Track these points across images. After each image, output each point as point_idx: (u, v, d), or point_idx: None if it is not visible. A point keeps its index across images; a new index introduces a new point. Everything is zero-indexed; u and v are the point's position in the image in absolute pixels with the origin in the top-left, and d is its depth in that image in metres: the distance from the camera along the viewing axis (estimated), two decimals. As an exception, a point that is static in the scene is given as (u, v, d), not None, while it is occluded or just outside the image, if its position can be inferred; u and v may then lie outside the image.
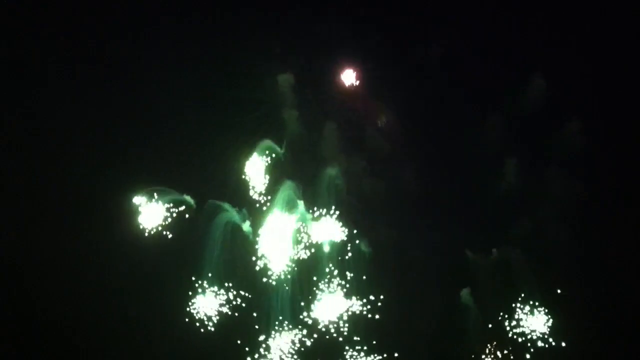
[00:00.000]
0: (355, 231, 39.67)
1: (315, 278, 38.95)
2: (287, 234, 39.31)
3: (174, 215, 39.39)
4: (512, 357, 39.13)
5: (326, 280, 38.86)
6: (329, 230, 39.64)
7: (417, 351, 38.94)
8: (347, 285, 38.88)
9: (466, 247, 40.48)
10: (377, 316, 38.72)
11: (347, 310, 38.60)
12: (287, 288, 38.80)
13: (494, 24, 43.56)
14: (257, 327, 38.34)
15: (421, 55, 44.01)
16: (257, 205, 40.37)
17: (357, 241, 39.61)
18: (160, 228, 39.18)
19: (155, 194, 39.23)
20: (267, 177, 40.81)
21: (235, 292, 38.63)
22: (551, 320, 38.98)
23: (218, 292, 38.56)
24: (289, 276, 38.83)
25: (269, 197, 40.34)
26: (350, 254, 39.42)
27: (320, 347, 38.33)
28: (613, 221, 39.90)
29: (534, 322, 39.11)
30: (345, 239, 39.58)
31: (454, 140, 42.64)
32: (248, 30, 42.87)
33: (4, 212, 38.81)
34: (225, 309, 38.53)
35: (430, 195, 41.66)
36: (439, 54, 44.04)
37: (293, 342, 38.21)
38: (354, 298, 38.72)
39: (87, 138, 39.64)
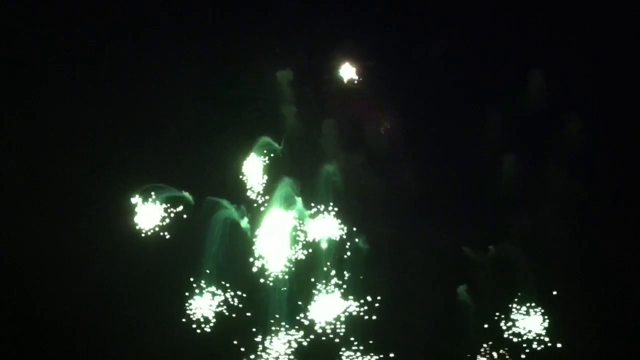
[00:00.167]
0: (353, 228, 39.83)
1: (313, 277, 39.02)
2: (285, 231, 39.49)
3: (173, 212, 39.51)
4: (507, 357, 39.42)
5: (324, 279, 39.00)
6: (327, 227, 39.84)
7: (414, 350, 38.94)
8: (345, 284, 38.93)
9: (464, 244, 40.51)
10: (374, 315, 38.79)
11: (345, 310, 38.66)
12: (285, 287, 38.92)
13: (495, 22, 43.72)
14: (254, 327, 38.34)
15: (421, 51, 44.09)
16: (256, 201, 40.54)
17: (355, 238, 39.75)
18: (158, 225, 39.28)
19: (153, 191, 39.31)
20: (266, 173, 40.96)
21: (233, 291, 38.70)
22: (548, 320, 39.01)
23: (216, 292, 38.62)
24: (286, 275, 38.97)
25: (267, 194, 40.50)
26: (348, 252, 39.54)
27: (318, 346, 38.39)
28: (612, 220, 39.96)
29: (531, 320, 39.17)
30: (342, 236, 39.73)
31: (453, 137, 42.74)
32: (246, 26, 43.03)
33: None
34: (222, 309, 38.57)
35: (429, 192, 41.69)
36: (439, 50, 44.13)
37: (290, 342, 38.27)
38: (351, 297, 38.79)
39: (83, 135, 39.70)
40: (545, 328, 39.03)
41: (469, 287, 39.85)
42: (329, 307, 38.82)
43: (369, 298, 38.91)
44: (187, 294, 38.44)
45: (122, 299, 38.07)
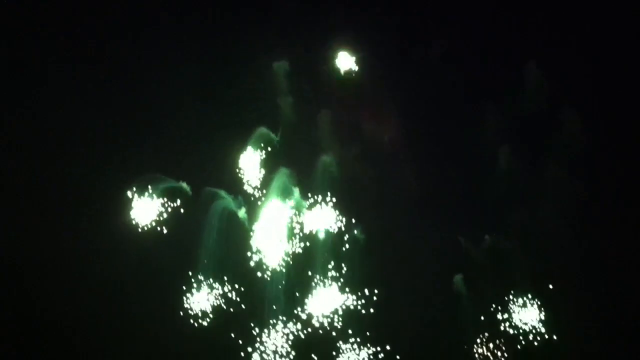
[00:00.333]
0: (349, 219, 40.25)
1: (310, 269, 39.52)
2: (283, 221, 40.01)
3: (171, 203, 39.90)
4: (502, 347, 39.60)
5: (321, 271, 39.43)
6: (324, 218, 40.30)
7: (410, 341, 39.34)
8: (342, 276, 39.36)
9: (460, 234, 41.00)
10: (370, 307, 39.17)
11: (342, 303, 39.09)
12: (282, 279, 39.39)
13: (495, 21, 44.00)
14: (252, 320, 38.80)
15: (418, 43, 44.29)
16: (253, 192, 41.00)
17: (351, 229, 40.20)
18: (157, 216, 39.65)
19: (151, 182, 39.64)
20: (263, 164, 41.30)
21: (231, 284, 39.13)
22: (544, 311, 39.40)
23: (214, 285, 39.07)
24: (284, 267, 39.42)
25: (265, 185, 40.92)
26: (344, 242, 40.00)
27: (315, 339, 38.88)
28: (609, 214, 40.19)
29: (527, 311, 39.52)
30: (339, 226, 40.16)
31: (450, 129, 43.01)
32: (244, 17, 43.30)
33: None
34: (220, 302, 39.00)
35: (426, 183, 42.10)
36: (438, 43, 44.35)
37: (288, 335, 38.74)
38: (348, 289, 39.23)
39: (79, 127, 39.93)
40: (540, 320, 39.31)
41: (465, 276, 40.21)
42: (327, 299, 39.23)
43: (366, 290, 39.23)
44: (184, 287, 38.84)
45: (119, 292, 38.37)
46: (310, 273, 39.45)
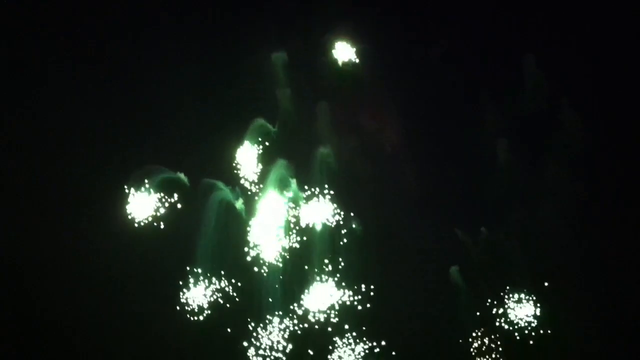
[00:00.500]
0: (346, 211, 40.52)
1: (307, 262, 39.83)
2: (280, 213, 40.35)
3: (169, 194, 40.12)
4: (498, 341, 39.60)
5: (318, 265, 39.71)
6: (321, 210, 40.58)
7: (406, 335, 39.57)
8: (339, 269, 39.66)
9: (456, 226, 41.22)
10: (367, 302, 39.41)
11: (340, 297, 39.35)
12: (279, 272, 39.69)
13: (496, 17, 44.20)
14: (249, 313, 39.00)
15: (418, 34, 44.45)
16: (251, 183, 41.22)
17: (349, 221, 40.44)
18: (155, 208, 39.87)
19: (149, 173, 39.81)
20: (260, 155, 41.51)
21: (228, 279, 39.37)
22: (540, 308, 39.62)
23: (212, 279, 39.26)
24: (281, 260, 39.71)
25: (262, 176, 41.17)
26: (341, 235, 40.28)
27: (312, 334, 39.13)
28: (609, 209, 40.48)
29: (523, 307, 39.77)
30: (336, 219, 40.43)
31: (449, 122, 43.24)
32: (242, 7, 43.38)
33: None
34: (217, 297, 39.19)
35: (424, 177, 42.46)
36: (439, 34, 44.52)
37: (286, 329, 38.99)
38: (345, 282, 39.47)
39: (75, 119, 39.97)
40: (537, 315, 39.47)
41: (461, 269, 40.38)
42: (324, 293, 39.49)
43: (362, 284, 39.47)
44: (183, 280, 39.03)
45: (117, 285, 38.46)
46: (307, 267, 39.71)
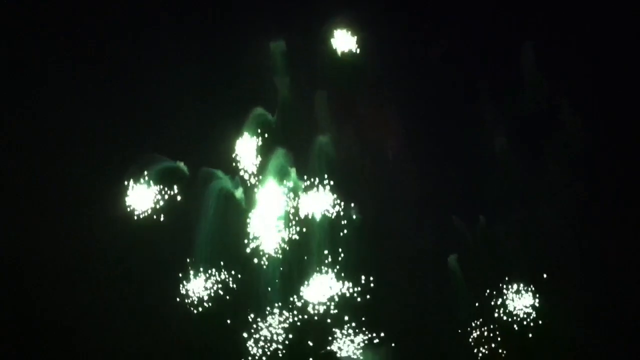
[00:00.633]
0: (345, 200, 40.54)
1: (307, 252, 39.88)
2: (279, 203, 40.40)
3: (169, 183, 40.05)
4: (497, 333, 39.67)
5: (318, 254, 39.78)
6: (320, 199, 40.62)
7: (404, 326, 39.70)
8: (339, 259, 39.67)
9: (453, 213, 41.24)
10: (366, 292, 39.43)
11: (339, 287, 39.39)
12: (279, 264, 39.74)
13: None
14: (249, 303, 39.11)
15: (418, 23, 44.17)
16: (250, 173, 41.15)
17: (347, 210, 40.46)
18: (155, 197, 39.81)
19: (148, 161, 39.76)
20: (259, 145, 41.45)
21: (228, 270, 39.39)
22: (538, 299, 39.67)
23: (212, 271, 39.26)
24: (280, 252, 39.76)
25: (262, 165, 41.12)
26: (340, 223, 40.27)
27: (311, 326, 39.25)
28: (607, 203, 40.60)
29: (520, 297, 39.86)
30: (335, 208, 40.47)
31: (448, 113, 43.18)
32: None
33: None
34: (217, 288, 39.21)
35: (422, 167, 42.46)
36: (438, 23, 44.31)
37: (285, 321, 39.13)
38: (344, 272, 39.49)
39: (68, 107, 39.73)
40: (534, 306, 39.50)
41: (459, 258, 40.39)
42: (324, 283, 39.54)
43: (362, 276, 39.48)
44: (182, 273, 39.07)
45: (117, 279, 38.54)
46: (306, 257, 39.77)
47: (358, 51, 43.42)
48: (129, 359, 38.29)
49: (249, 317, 39.13)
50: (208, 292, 39.34)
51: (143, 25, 41.48)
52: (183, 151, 40.48)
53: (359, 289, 39.71)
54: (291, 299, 39.38)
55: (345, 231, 40.42)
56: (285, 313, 39.33)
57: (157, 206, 39.96)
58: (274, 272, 39.85)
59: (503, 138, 42.21)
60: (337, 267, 39.77)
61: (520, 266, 40.16)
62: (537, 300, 39.71)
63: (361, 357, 39.08)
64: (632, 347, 38.75)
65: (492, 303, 39.88)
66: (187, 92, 41.21)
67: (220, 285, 39.48)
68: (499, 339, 39.58)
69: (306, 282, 39.47)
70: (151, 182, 39.94)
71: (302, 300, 39.35)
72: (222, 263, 39.69)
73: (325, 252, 40.01)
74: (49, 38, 40.70)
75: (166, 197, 40.08)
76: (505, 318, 39.61)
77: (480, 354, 39.74)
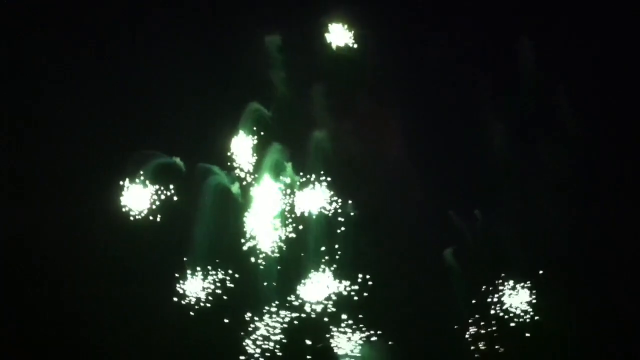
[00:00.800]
0: (341, 195, 40.56)
1: (304, 251, 39.87)
2: (276, 198, 40.45)
3: (165, 179, 40.00)
4: (494, 328, 39.40)
5: (315, 253, 39.75)
6: (317, 195, 40.63)
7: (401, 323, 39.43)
8: (336, 255, 39.68)
9: (449, 208, 40.96)
10: (364, 289, 39.39)
11: (336, 285, 39.36)
12: (277, 261, 39.73)
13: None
14: (246, 305, 38.91)
15: (416, 18, 44.07)
16: (246, 168, 41.12)
17: (344, 205, 40.48)
18: (152, 193, 39.77)
19: (144, 157, 39.66)
20: (256, 140, 41.42)
21: (225, 268, 39.27)
22: (535, 295, 39.44)
23: (209, 269, 39.15)
24: (278, 249, 39.78)
25: (258, 161, 41.09)
26: (336, 219, 40.31)
27: (309, 324, 39.19)
28: (606, 198, 40.27)
29: (518, 293, 39.58)
30: (332, 202, 40.47)
31: (444, 101, 42.88)
32: None
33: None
34: (214, 284, 39.10)
35: (417, 159, 42.24)
36: (437, 18, 44.14)
37: (283, 319, 39.02)
38: (342, 269, 39.48)
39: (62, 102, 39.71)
40: (531, 302, 39.27)
41: (455, 251, 40.20)
42: (321, 281, 39.48)
43: (359, 272, 39.42)
44: (179, 270, 38.92)
45: (113, 277, 38.27)
46: (303, 253, 39.75)
47: (355, 45, 43.40)
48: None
49: (247, 313, 39.11)
50: (205, 289, 39.26)
51: (139, 21, 41.60)
52: (179, 147, 40.39)
53: (356, 285, 39.62)
54: (289, 295, 39.34)
55: (342, 227, 40.31)
56: (283, 309, 39.26)
57: (154, 202, 39.94)
58: (271, 268, 39.81)
59: (502, 132, 41.72)
60: (335, 263, 39.68)
61: (518, 261, 39.67)
62: (535, 295, 39.16)
63: (357, 353, 38.95)
64: (632, 343, 38.10)
65: (490, 299, 39.43)
66: (183, 87, 41.01)
67: (217, 282, 39.36)
68: (496, 335, 39.18)
69: (304, 278, 39.40)
70: (147, 178, 39.91)
71: (300, 297, 39.30)
72: (219, 259, 39.66)
73: (323, 248, 39.98)
74: (46, 34, 40.74)
75: (163, 193, 40.08)
76: (502, 314, 39.18)
77: (478, 350, 39.34)
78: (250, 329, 38.87)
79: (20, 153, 39.76)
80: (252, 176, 41.09)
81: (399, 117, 42.61)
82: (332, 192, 40.74)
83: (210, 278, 39.33)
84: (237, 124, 41.40)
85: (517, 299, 39.36)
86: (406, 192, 41.29)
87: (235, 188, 40.74)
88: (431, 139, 42.32)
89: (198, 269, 39.35)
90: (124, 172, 39.59)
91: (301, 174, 40.84)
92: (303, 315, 39.23)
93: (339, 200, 40.69)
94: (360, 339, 39.08)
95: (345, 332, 39.16)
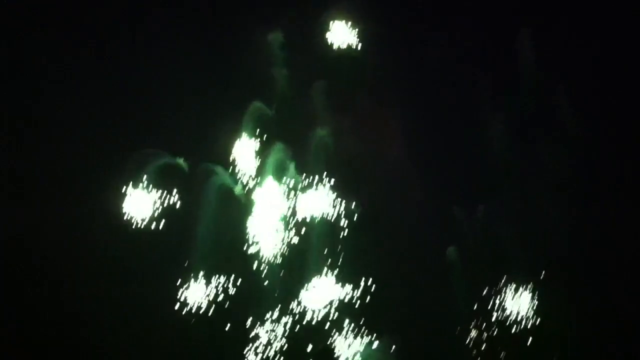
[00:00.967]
0: (344, 195, 40.39)
1: (305, 251, 39.70)
2: (279, 198, 40.24)
3: (168, 179, 39.70)
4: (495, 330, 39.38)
5: (317, 252, 39.64)
6: (320, 195, 40.41)
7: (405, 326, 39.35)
8: (340, 257, 39.60)
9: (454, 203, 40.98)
10: (367, 293, 39.29)
11: (340, 286, 39.23)
12: (278, 261, 39.54)
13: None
14: (250, 311, 38.79)
15: (419, 17, 44.05)
16: (249, 168, 40.88)
17: (347, 204, 40.30)
18: (153, 192, 39.45)
19: (148, 156, 39.39)
20: (258, 139, 41.25)
21: (228, 273, 39.12)
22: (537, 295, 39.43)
23: (211, 274, 38.86)
24: (278, 250, 39.53)
25: (261, 160, 40.92)
26: (340, 219, 40.14)
27: (311, 330, 39.06)
28: (610, 194, 40.41)
29: (521, 294, 39.58)
30: (335, 202, 40.28)
31: (444, 101, 42.83)
32: None
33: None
34: (217, 286, 38.92)
35: (420, 158, 42.20)
36: (435, 12, 44.05)
37: (291, 321, 38.94)
38: (345, 270, 39.35)
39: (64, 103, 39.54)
40: (529, 302, 39.29)
41: (459, 248, 40.15)
42: (325, 283, 39.31)
43: (359, 274, 39.30)
44: (183, 273, 38.69)
45: (114, 281, 38.07)
46: (305, 253, 39.59)
47: (357, 43, 43.29)
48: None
49: (250, 320, 39.04)
50: (207, 290, 39.13)
51: (139, 21, 41.47)
52: (180, 147, 40.22)
53: (356, 285, 39.61)
54: (292, 296, 39.27)
55: (345, 226, 40.28)
56: (284, 308, 39.22)
57: (155, 202, 39.65)
58: (272, 267, 39.72)
59: (502, 132, 41.73)
60: (339, 263, 39.62)
61: (518, 261, 39.68)
62: (535, 295, 39.20)
63: (357, 354, 38.93)
64: (632, 343, 38.13)
65: (490, 299, 39.49)
66: (183, 87, 40.85)
67: (220, 284, 39.26)
68: (496, 334, 39.19)
69: (307, 279, 39.30)
70: (149, 178, 39.63)
71: (303, 298, 39.19)
72: (223, 264, 39.56)
73: (324, 247, 39.94)
74: (46, 34, 40.61)
75: (164, 193, 39.80)
76: (502, 314, 39.21)
77: (478, 350, 39.36)
78: (252, 322, 38.92)
79: (20, 153, 39.60)
80: (255, 175, 40.95)
81: (399, 117, 42.53)
82: (333, 191, 40.56)
83: (212, 278, 39.16)
84: (239, 123, 41.24)
85: (517, 298, 39.35)
86: (406, 192, 41.23)
87: (238, 188, 40.60)
88: (431, 139, 42.28)
89: (200, 269, 39.18)
90: (125, 171, 39.29)
91: (304, 174, 40.67)
92: (303, 315, 39.13)
93: (341, 200, 40.54)
94: (361, 339, 39.03)
95: (345, 332, 39.14)
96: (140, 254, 38.77)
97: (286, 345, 38.86)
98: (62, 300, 37.77)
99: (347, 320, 39.16)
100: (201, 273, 39.09)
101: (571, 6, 42.43)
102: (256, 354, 38.61)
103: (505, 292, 39.57)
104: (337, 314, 39.18)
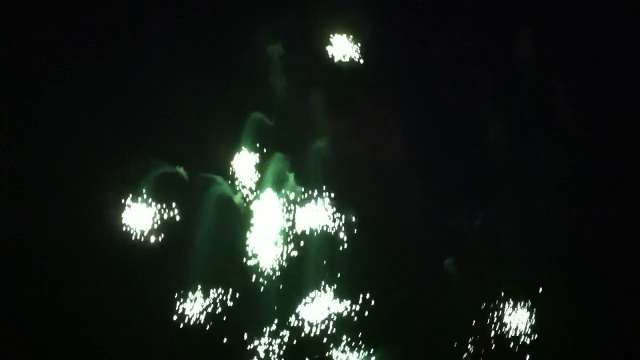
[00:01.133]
0: (343, 205, 40.50)
1: (303, 259, 39.83)
2: (279, 209, 40.34)
3: (167, 188, 39.69)
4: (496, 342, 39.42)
5: (319, 269, 39.78)
6: (320, 204, 40.51)
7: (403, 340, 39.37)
8: (340, 266, 39.73)
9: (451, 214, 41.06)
10: (364, 291, 39.43)
11: (339, 305, 39.35)
12: (280, 280, 39.60)
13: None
14: (248, 324, 38.88)
15: (419, 26, 43.80)
16: (249, 178, 40.93)
17: (346, 216, 40.37)
18: (154, 203, 39.49)
19: (147, 166, 39.34)
20: (258, 149, 41.20)
21: (226, 285, 39.07)
22: (534, 295, 39.68)
23: (209, 285, 38.86)
24: (278, 269, 39.59)
25: (260, 171, 40.97)
26: (340, 228, 40.25)
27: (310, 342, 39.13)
28: (610, 197, 40.32)
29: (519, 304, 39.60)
30: (334, 211, 40.40)
31: (444, 101, 42.75)
32: None
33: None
34: (216, 297, 38.93)
35: (419, 155, 42.20)
36: (437, 19, 43.86)
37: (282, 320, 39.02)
38: (345, 279, 39.51)
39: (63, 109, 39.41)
40: (529, 302, 39.41)
41: (457, 260, 40.20)
42: (325, 292, 39.51)
43: (360, 273, 39.55)
44: (178, 293, 38.62)
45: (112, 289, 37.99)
46: (303, 260, 39.74)
47: (357, 43, 43.07)
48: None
49: (251, 330, 39.22)
50: (206, 303, 39.13)
51: (139, 20, 41.21)
52: (180, 156, 40.27)
53: (356, 285, 39.58)
54: (287, 300, 39.52)
55: (343, 227, 40.32)
56: (283, 310, 39.45)
57: (154, 208, 39.69)
58: (272, 269, 39.80)
59: (502, 132, 41.75)
60: (339, 273, 39.79)
61: (518, 262, 39.67)
62: (535, 296, 39.18)
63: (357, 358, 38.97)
64: (632, 343, 38.12)
65: (489, 299, 39.48)
66: (184, 95, 40.90)
67: (218, 296, 39.25)
68: (496, 335, 39.18)
69: (306, 291, 39.54)
70: (148, 187, 39.71)
71: (302, 310, 39.40)
72: (221, 270, 39.69)
73: (323, 249, 40.10)
74: (46, 34, 40.38)
75: (163, 202, 39.77)
76: (502, 314, 39.21)
77: (478, 350, 39.36)
78: (252, 322, 39.14)
79: (20, 153, 39.45)
80: (255, 186, 40.98)
81: (398, 117, 42.50)
82: (333, 201, 40.66)
83: (210, 289, 39.17)
84: (239, 132, 41.28)
85: (517, 299, 39.30)
86: (406, 192, 41.20)
87: (238, 198, 40.62)
88: (431, 139, 42.23)
89: (198, 279, 39.29)
90: (125, 175, 39.39)
91: (304, 183, 40.79)
92: (302, 328, 39.30)
93: (341, 210, 40.60)
94: (359, 352, 39.10)
95: (343, 345, 39.24)
96: (139, 254, 38.85)
97: (284, 358, 38.81)
98: (62, 300, 37.75)
99: (344, 334, 39.29)
100: (199, 284, 39.12)
101: (571, 6, 42.41)
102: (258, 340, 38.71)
103: (504, 292, 39.46)
104: (335, 327, 39.33)
